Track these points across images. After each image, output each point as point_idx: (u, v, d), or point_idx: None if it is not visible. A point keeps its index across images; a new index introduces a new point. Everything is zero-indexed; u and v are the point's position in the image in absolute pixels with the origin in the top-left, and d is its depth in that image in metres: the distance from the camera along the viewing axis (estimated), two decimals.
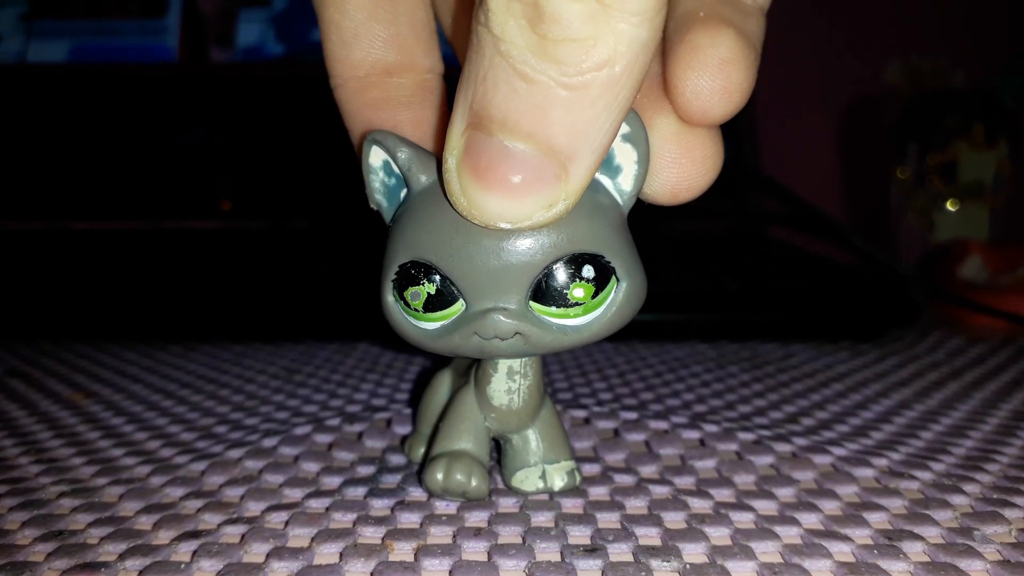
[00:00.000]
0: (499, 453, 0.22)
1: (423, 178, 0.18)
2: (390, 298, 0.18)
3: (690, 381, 0.33)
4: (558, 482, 0.21)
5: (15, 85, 0.58)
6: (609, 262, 0.17)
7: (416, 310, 0.18)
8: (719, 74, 0.17)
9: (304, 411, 0.29)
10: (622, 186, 0.18)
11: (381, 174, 0.19)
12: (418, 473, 0.23)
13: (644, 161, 0.18)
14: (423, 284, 0.18)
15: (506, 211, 0.16)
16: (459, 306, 0.18)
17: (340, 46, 0.20)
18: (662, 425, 0.26)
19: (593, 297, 0.17)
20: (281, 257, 0.48)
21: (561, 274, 0.17)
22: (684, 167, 0.18)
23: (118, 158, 0.57)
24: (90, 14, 0.60)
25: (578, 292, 0.17)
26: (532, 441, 0.21)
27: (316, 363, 0.36)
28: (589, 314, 0.18)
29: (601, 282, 0.17)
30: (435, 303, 0.18)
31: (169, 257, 0.48)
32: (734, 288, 0.41)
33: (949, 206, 0.61)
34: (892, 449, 0.25)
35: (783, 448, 0.24)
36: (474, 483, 0.20)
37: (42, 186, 0.57)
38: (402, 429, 0.27)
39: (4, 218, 0.57)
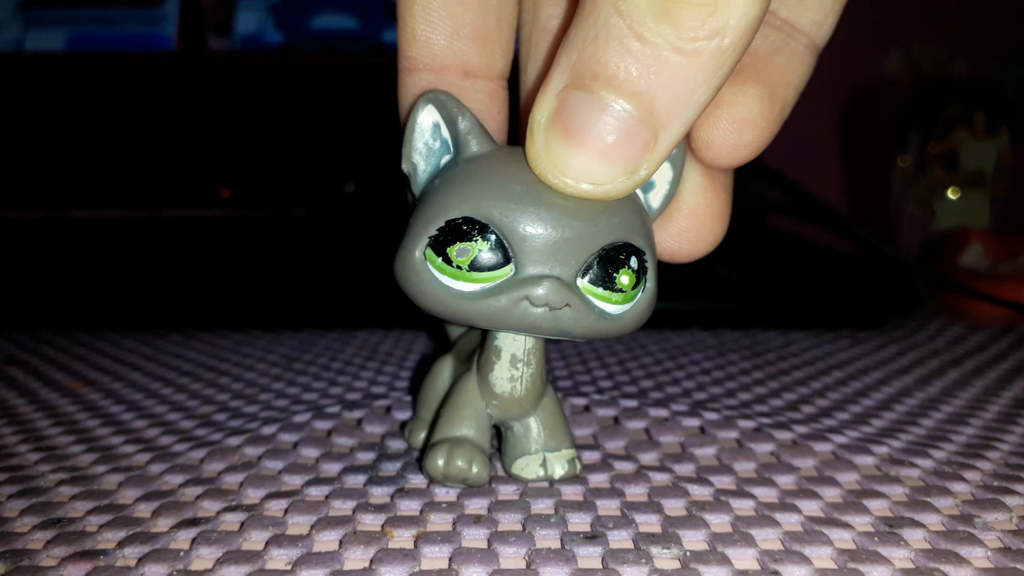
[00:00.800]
0: (500, 440, 0.22)
1: (477, 147, 0.18)
2: (418, 254, 0.18)
3: (690, 369, 0.33)
4: (559, 470, 0.21)
5: (13, 74, 0.58)
6: (647, 261, 0.18)
7: (459, 268, 0.17)
8: (732, 131, 0.18)
9: (303, 398, 0.29)
10: (651, 202, 0.19)
11: (427, 135, 0.19)
12: (419, 459, 0.23)
13: (676, 182, 0.19)
14: (476, 240, 0.17)
15: (592, 172, 0.16)
16: (508, 270, 0.17)
17: (425, 24, 0.19)
18: (662, 413, 0.26)
19: (632, 288, 0.18)
20: (280, 245, 0.48)
21: (614, 257, 0.17)
22: (689, 237, 0.20)
23: (117, 147, 0.57)
24: (88, 2, 0.60)
25: (624, 279, 0.18)
26: (533, 429, 0.21)
27: (316, 351, 0.36)
28: (624, 304, 0.18)
29: (639, 277, 0.18)
30: (483, 263, 0.17)
31: (168, 245, 0.48)
32: (734, 276, 0.41)
33: (950, 194, 0.61)
34: (893, 437, 0.25)
35: (783, 436, 0.24)
36: (475, 470, 0.20)
37: (41, 175, 0.56)
38: (402, 415, 0.26)
39: (3, 207, 0.57)
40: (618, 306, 0.18)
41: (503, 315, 0.17)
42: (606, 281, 0.17)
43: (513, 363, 0.20)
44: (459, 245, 0.17)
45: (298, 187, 0.56)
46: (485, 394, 0.21)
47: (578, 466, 0.21)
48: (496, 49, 0.20)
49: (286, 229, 0.52)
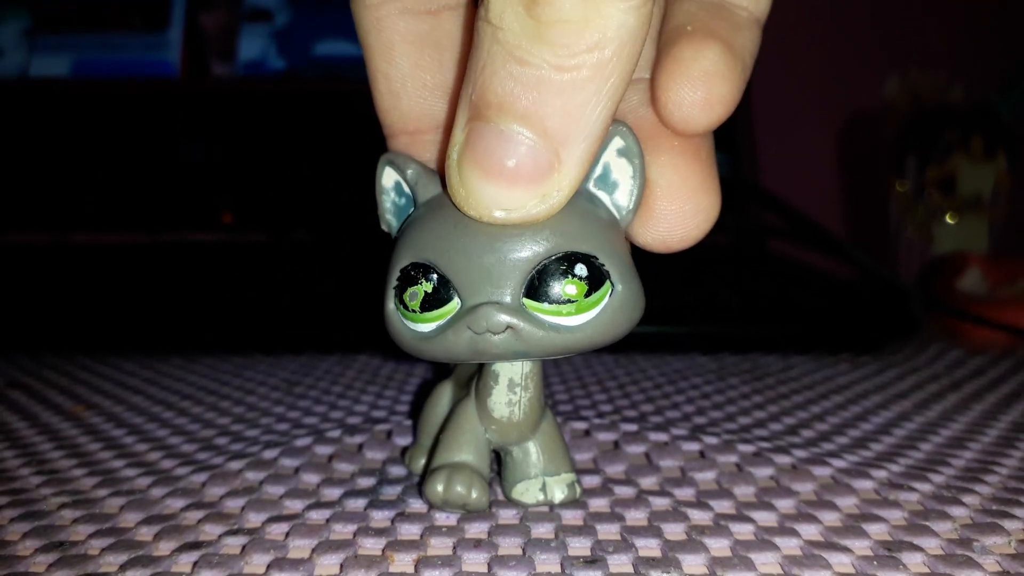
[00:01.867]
0: (499, 465, 0.22)
1: (427, 193, 0.19)
2: (391, 305, 0.19)
3: (690, 393, 0.33)
4: (558, 494, 0.21)
5: (18, 99, 0.59)
6: (603, 264, 0.18)
7: (414, 311, 0.18)
8: (701, 86, 0.18)
9: (305, 423, 0.29)
10: (619, 201, 0.19)
11: (392, 195, 0.20)
12: (418, 485, 0.23)
13: (640, 175, 0.18)
14: (420, 283, 0.18)
15: (501, 199, 0.16)
16: (454, 304, 0.18)
17: (389, 96, 0.20)
18: (662, 437, 0.26)
19: (586, 296, 0.17)
20: (282, 270, 0.48)
21: (554, 269, 0.17)
22: (676, 220, 0.19)
23: (120, 172, 0.57)
24: (93, 28, 0.61)
25: (570, 289, 0.17)
26: (532, 453, 0.21)
27: (317, 375, 0.36)
28: (582, 314, 0.18)
29: (595, 283, 0.18)
30: (432, 302, 0.18)
31: (170, 270, 0.48)
32: (734, 301, 0.41)
33: (948, 219, 0.61)
34: (892, 461, 0.25)
35: (783, 460, 0.24)
36: (474, 495, 0.20)
37: (44, 199, 0.57)
38: (403, 440, 0.27)
39: (6, 231, 0.57)
40: (574, 317, 0.18)
41: (456, 348, 0.18)
42: (550, 295, 0.17)
43: (511, 388, 0.20)
44: (410, 289, 0.18)
45: (300, 212, 0.57)
46: (484, 419, 0.21)
47: (578, 490, 0.22)
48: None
49: (288, 253, 0.53)
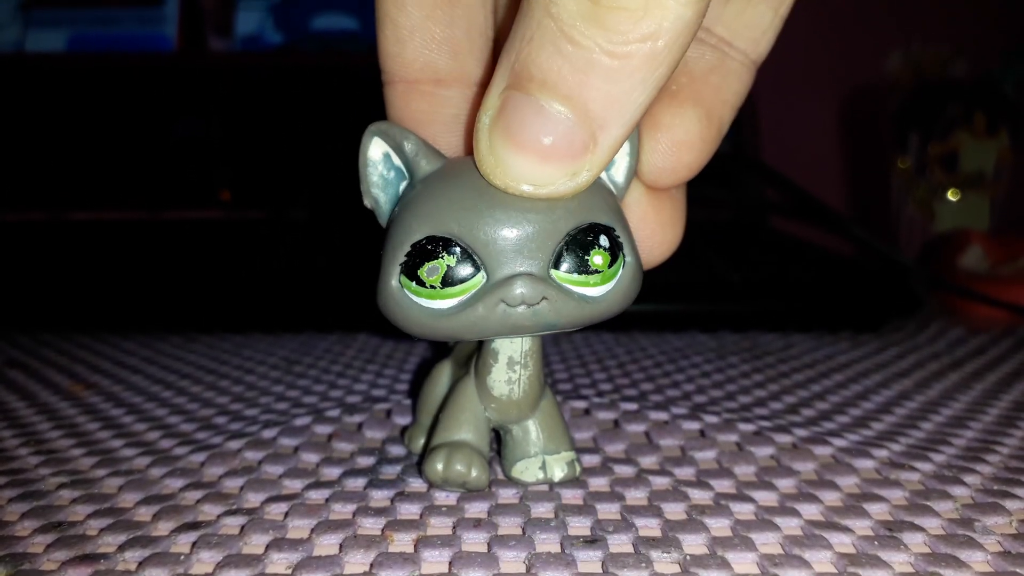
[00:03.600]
0: (499, 444, 0.22)
1: (428, 166, 0.18)
2: (394, 283, 0.18)
3: (690, 371, 0.33)
4: (558, 473, 0.21)
5: (13, 74, 0.58)
6: (618, 236, 0.18)
7: (432, 287, 0.17)
8: (671, 154, 0.19)
9: (304, 402, 0.29)
10: (615, 177, 0.19)
11: (380, 167, 0.19)
12: (418, 464, 0.23)
13: (634, 153, 0.19)
14: (442, 257, 0.17)
15: (532, 173, 0.16)
16: (479, 278, 0.17)
17: (394, 42, 0.20)
18: (662, 416, 0.26)
19: (609, 267, 0.18)
20: (281, 247, 0.48)
21: (581, 240, 0.17)
22: (643, 247, 0.20)
23: (117, 148, 0.57)
24: (88, 3, 0.60)
25: (597, 259, 0.17)
26: (532, 432, 0.21)
27: (316, 354, 0.36)
28: (605, 285, 0.18)
29: (614, 255, 0.18)
30: (454, 277, 0.17)
31: (168, 247, 0.48)
32: (734, 278, 0.41)
33: (950, 196, 0.61)
34: (893, 440, 0.25)
35: (783, 439, 0.24)
36: (474, 474, 0.20)
37: (40, 177, 0.56)
38: (402, 420, 0.27)
39: (3, 209, 0.57)
40: (598, 287, 0.18)
41: (484, 323, 0.17)
42: (579, 266, 0.17)
43: (511, 366, 0.20)
44: (428, 265, 0.17)
45: (299, 188, 0.56)
46: (483, 398, 0.21)
47: (577, 468, 0.21)
48: (467, 58, 0.20)
49: (286, 231, 0.52)
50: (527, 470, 0.21)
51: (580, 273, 0.17)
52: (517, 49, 0.16)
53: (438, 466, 0.20)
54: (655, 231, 0.20)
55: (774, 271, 0.43)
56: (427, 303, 0.18)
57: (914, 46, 0.65)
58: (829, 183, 0.77)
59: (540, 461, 0.21)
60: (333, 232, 0.51)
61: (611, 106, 0.15)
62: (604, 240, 0.18)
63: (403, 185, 0.19)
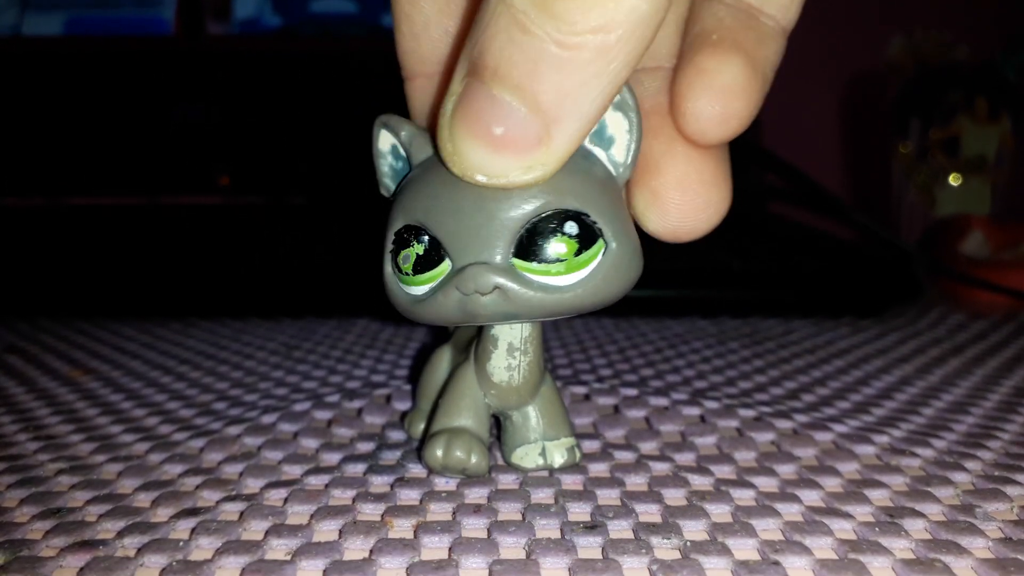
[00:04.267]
0: (499, 430, 0.22)
1: (421, 154, 0.19)
2: (388, 268, 0.19)
3: (690, 357, 0.33)
4: (558, 459, 0.21)
5: (10, 58, 0.58)
6: (595, 222, 0.17)
7: (407, 274, 0.18)
8: (719, 100, 0.17)
9: (303, 387, 0.29)
10: (615, 157, 0.18)
11: (389, 158, 0.20)
12: (418, 450, 0.22)
13: (636, 130, 0.18)
14: (413, 245, 0.18)
15: (485, 163, 0.16)
16: (446, 266, 0.17)
17: (410, 38, 0.19)
18: (662, 401, 0.26)
19: (576, 255, 0.17)
20: (280, 233, 0.47)
21: (542, 228, 0.17)
22: (687, 211, 0.19)
23: (115, 133, 0.56)
24: None
25: (560, 247, 0.17)
26: (532, 418, 0.21)
27: (315, 339, 0.36)
28: (573, 274, 0.17)
29: (586, 241, 0.17)
30: (424, 264, 0.18)
31: (167, 233, 0.47)
32: (735, 264, 0.41)
33: (951, 181, 0.60)
34: (893, 426, 0.25)
35: (784, 425, 0.24)
36: (474, 460, 0.20)
37: (38, 162, 0.56)
38: (402, 405, 0.26)
39: (1, 194, 0.57)
40: (565, 276, 0.17)
41: (445, 311, 0.18)
42: (539, 254, 0.17)
43: (510, 352, 0.20)
44: (403, 252, 0.18)
45: (298, 174, 0.56)
46: (483, 383, 0.21)
47: (577, 455, 0.21)
48: None
49: (286, 216, 0.52)
50: (527, 456, 0.21)
51: (541, 262, 0.17)
52: (476, 37, 0.15)
53: (438, 452, 0.20)
54: (699, 192, 0.19)
55: (775, 257, 0.43)
56: (407, 288, 0.18)
57: (915, 32, 0.64)
58: (830, 168, 0.76)
59: (540, 447, 0.21)
60: (332, 218, 0.51)
61: (564, 99, 0.15)
62: (570, 227, 0.17)
63: (406, 174, 0.19)
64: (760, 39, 0.18)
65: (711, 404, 0.26)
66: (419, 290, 0.18)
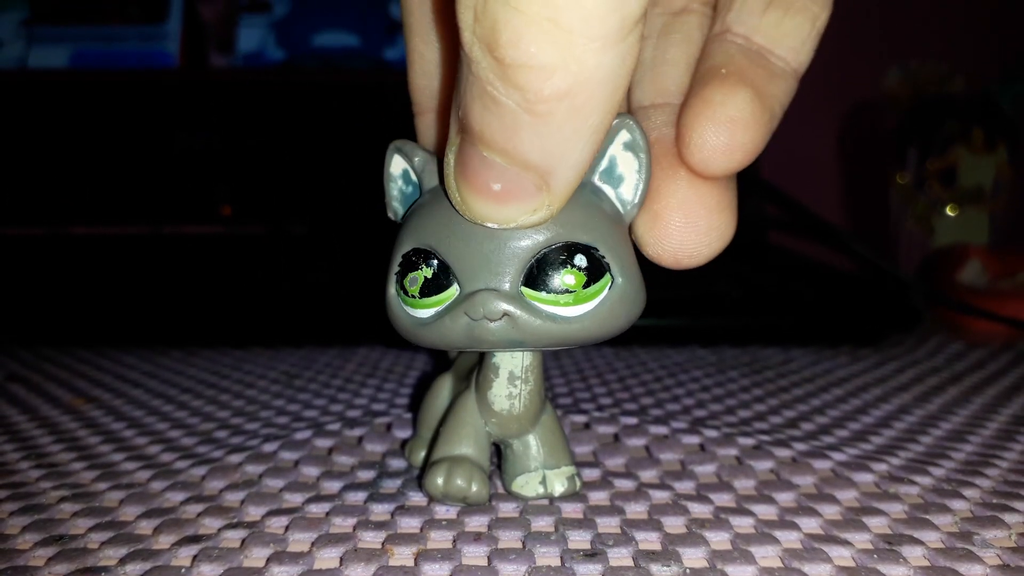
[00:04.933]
0: (499, 458, 0.22)
1: (431, 182, 0.19)
2: (392, 290, 0.19)
3: (690, 386, 0.33)
4: (558, 487, 0.21)
5: (16, 91, 0.58)
6: (603, 256, 0.18)
7: (413, 296, 0.18)
8: (725, 131, 0.17)
9: (304, 416, 0.29)
10: (624, 196, 0.18)
11: (400, 182, 0.20)
12: (418, 478, 0.23)
13: (645, 169, 0.18)
14: (421, 268, 0.18)
15: (491, 214, 0.16)
16: (453, 290, 0.18)
17: (421, 75, 0.20)
18: (662, 430, 0.26)
19: (585, 287, 0.17)
20: (281, 262, 0.48)
21: (553, 259, 0.17)
22: (688, 236, 0.19)
23: (118, 164, 0.57)
24: (91, 20, 0.61)
25: (569, 279, 0.17)
26: (533, 446, 0.21)
27: (316, 368, 0.36)
28: (580, 305, 0.18)
29: (594, 275, 0.17)
30: (431, 287, 0.18)
31: (170, 262, 0.48)
32: (734, 293, 0.41)
33: (949, 211, 0.61)
34: (892, 454, 0.25)
35: (783, 453, 0.24)
36: (474, 488, 0.20)
37: (43, 191, 0.57)
38: (402, 433, 0.27)
39: (5, 223, 0.57)
40: (572, 308, 0.18)
41: (452, 335, 0.18)
42: (548, 284, 0.17)
43: (511, 380, 0.20)
44: (410, 275, 0.18)
45: (300, 204, 0.56)
46: (484, 412, 0.21)
47: (578, 483, 0.21)
48: None
49: (287, 246, 0.53)
50: (527, 484, 0.21)
51: (550, 292, 0.17)
52: (459, 97, 0.15)
53: (438, 481, 0.20)
54: (703, 217, 0.19)
55: (774, 286, 0.43)
56: (412, 311, 0.18)
57: (912, 63, 0.65)
58: (828, 198, 0.77)
59: (540, 476, 0.21)
60: (333, 247, 0.51)
61: (550, 156, 0.15)
62: (580, 259, 0.17)
63: (416, 198, 0.20)
64: (770, 77, 0.18)
65: (711, 433, 0.26)
66: (424, 313, 0.18)
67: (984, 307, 0.46)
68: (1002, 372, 0.36)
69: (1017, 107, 0.64)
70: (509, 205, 0.16)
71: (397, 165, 0.20)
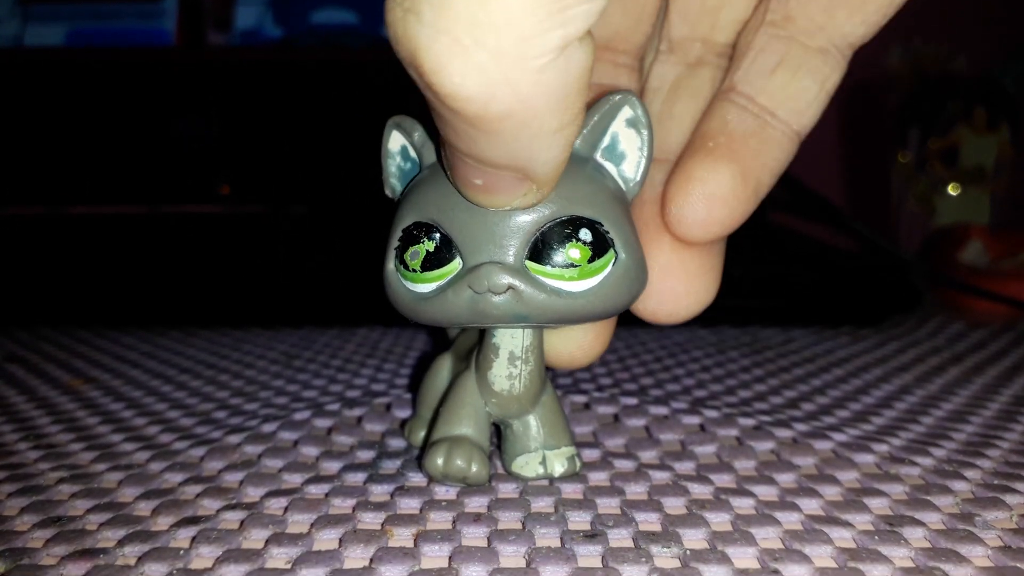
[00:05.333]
0: (499, 438, 0.22)
1: (432, 156, 0.19)
2: (391, 265, 0.19)
3: (690, 366, 0.33)
4: (558, 468, 0.21)
5: (11, 68, 0.58)
6: (607, 232, 0.17)
7: (414, 271, 0.18)
8: (702, 207, 0.18)
9: (304, 396, 0.29)
10: (626, 173, 0.18)
11: (398, 159, 0.20)
12: (418, 458, 0.23)
13: (648, 146, 0.18)
14: (422, 242, 0.18)
15: (483, 200, 0.17)
16: (456, 264, 0.18)
17: None
18: (662, 410, 0.26)
19: (589, 261, 0.17)
20: (280, 242, 0.48)
21: (558, 233, 0.17)
22: (666, 299, 0.20)
23: (116, 143, 0.57)
24: None
25: (574, 252, 0.17)
26: (532, 427, 0.21)
27: (315, 348, 0.36)
28: (585, 280, 0.17)
29: (598, 249, 0.17)
30: (433, 261, 0.18)
31: (168, 242, 0.47)
32: (734, 273, 0.41)
33: (950, 191, 0.60)
34: (893, 435, 0.25)
35: (783, 434, 0.24)
36: (474, 468, 0.20)
37: (40, 171, 0.56)
38: (402, 413, 0.26)
39: (2, 204, 0.57)
40: (578, 282, 0.17)
41: (455, 309, 0.18)
42: (553, 258, 0.17)
43: (511, 361, 0.20)
44: (411, 248, 0.18)
45: (299, 183, 0.56)
46: (484, 392, 0.21)
47: (578, 464, 0.21)
48: None
49: (286, 226, 0.52)
50: (527, 465, 0.21)
51: (554, 266, 0.17)
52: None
53: (438, 461, 0.20)
54: (680, 281, 0.20)
55: (774, 266, 0.43)
56: (412, 286, 0.18)
57: (915, 42, 0.64)
58: (829, 178, 0.76)
59: (540, 456, 0.21)
60: (333, 227, 0.51)
61: (517, 159, 0.15)
62: (585, 234, 0.17)
63: (416, 174, 0.19)
64: (762, 145, 0.19)
65: (711, 413, 0.26)
66: (425, 288, 0.18)
67: (985, 287, 0.46)
68: (1003, 352, 0.36)
69: (1019, 87, 0.64)
70: (496, 194, 0.16)
71: (395, 141, 0.20)
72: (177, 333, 0.39)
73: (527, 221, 0.17)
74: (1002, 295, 0.45)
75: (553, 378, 0.31)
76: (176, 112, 0.57)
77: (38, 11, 0.60)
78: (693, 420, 0.26)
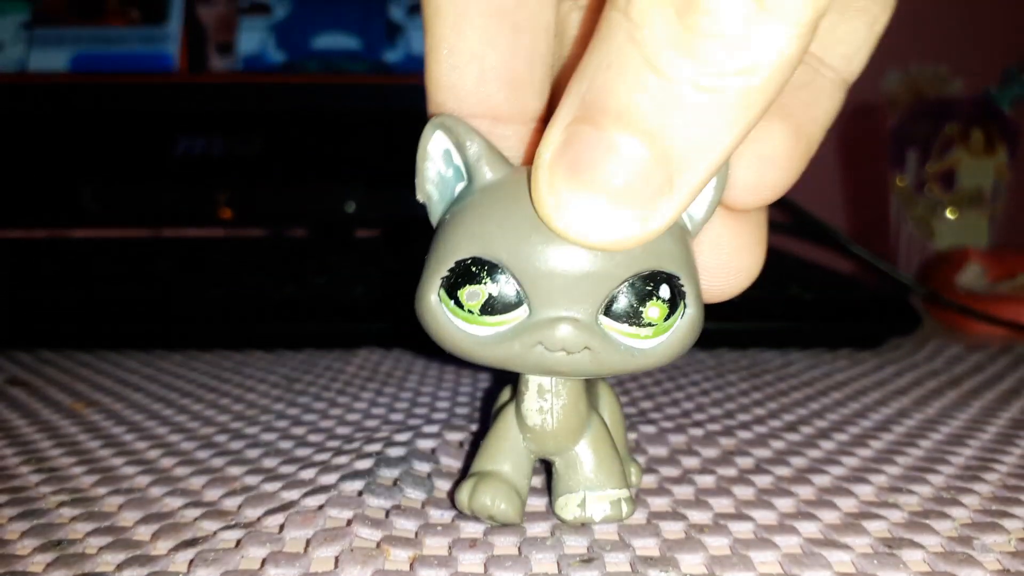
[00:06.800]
0: (548, 476, 0.21)
1: (490, 174, 0.17)
2: (434, 297, 0.17)
3: (689, 390, 0.33)
4: (598, 512, 0.19)
5: (16, 93, 0.59)
6: (683, 286, 0.17)
7: (470, 312, 0.16)
8: (753, 170, 0.17)
9: (304, 420, 0.29)
10: (693, 212, 0.17)
11: (439, 163, 0.17)
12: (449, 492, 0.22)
13: (720, 187, 0.17)
14: (484, 283, 0.16)
15: (597, 218, 0.15)
16: (521, 312, 0.16)
17: (449, 70, 0.17)
18: (674, 437, 0.26)
19: (666, 319, 0.16)
20: (281, 265, 0.48)
21: (639, 289, 0.16)
22: (715, 273, 0.18)
23: (119, 167, 0.57)
24: (91, 22, 0.61)
25: (653, 312, 0.16)
26: (576, 465, 0.19)
27: (316, 372, 0.36)
28: (657, 337, 0.17)
29: (674, 306, 0.16)
30: (494, 306, 0.16)
31: (170, 265, 0.48)
32: (733, 296, 0.41)
33: (948, 214, 0.61)
34: (891, 460, 0.25)
35: (785, 460, 0.24)
36: (501, 507, 0.19)
37: (43, 194, 0.57)
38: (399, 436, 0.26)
39: (5, 226, 0.57)
40: (651, 340, 0.17)
41: (519, 360, 0.17)
42: (633, 316, 0.16)
43: (540, 394, 0.19)
44: (468, 288, 0.16)
45: (300, 207, 0.57)
46: (521, 427, 0.19)
47: (624, 509, 0.20)
48: (527, 92, 0.18)
49: (287, 249, 0.53)
50: (566, 507, 0.20)
51: (632, 325, 0.16)
52: (591, 77, 0.14)
53: (463, 497, 0.19)
54: (731, 257, 0.18)
55: (773, 289, 0.43)
56: (464, 326, 0.17)
57: (911, 65, 0.65)
58: (828, 201, 0.77)
59: (581, 497, 0.19)
60: (333, 250, 0.51)
61: (694, 148, 0.14)
62: (664, 290, 0.16)
63: (460, 187, 0.18)
64: (813, 98, 0.18)
65: (708, 436, 0.26)
66: (482, 331, 0.17)
67: (983, 310, 0.46)
68: (1001, 375, 0.36)
69: (1016, 109, 0.64)
70: (623, 207, 0.14)
71: (437, 144, 0.17)
72: (179, 356, 0.39)
73: (608, 275, 0.16)
74: (1000, 318, 0.45)
75: None
76: (179, 136, 0.57)
77: (43, 36, 0.60)
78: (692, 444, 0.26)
